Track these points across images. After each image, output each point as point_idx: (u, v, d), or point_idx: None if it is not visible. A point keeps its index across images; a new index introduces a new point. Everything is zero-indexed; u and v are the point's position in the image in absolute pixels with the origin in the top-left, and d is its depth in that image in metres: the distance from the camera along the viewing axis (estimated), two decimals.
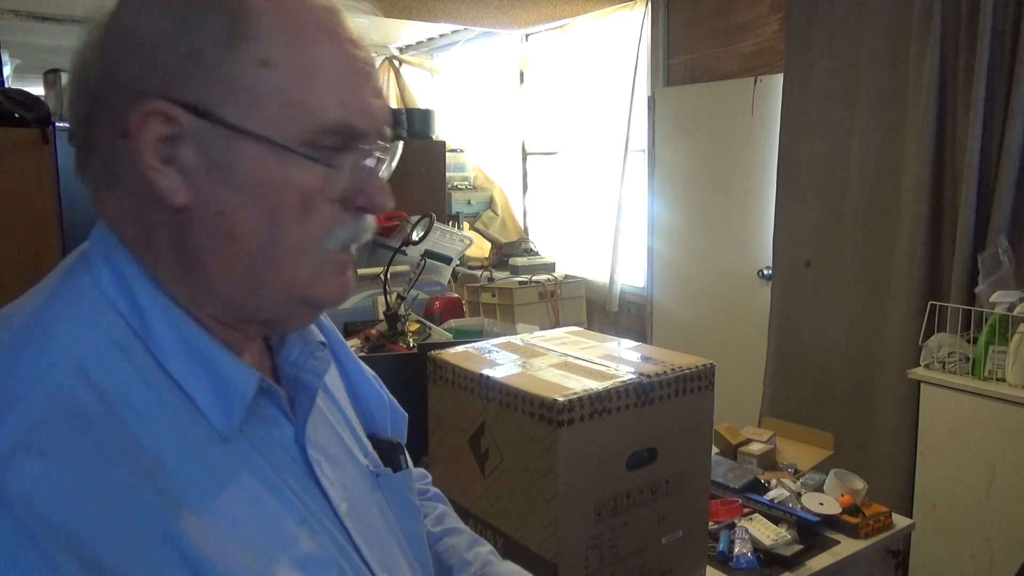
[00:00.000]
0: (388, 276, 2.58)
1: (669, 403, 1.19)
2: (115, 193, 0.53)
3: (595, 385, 1.12)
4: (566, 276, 4.75)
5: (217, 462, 0.52)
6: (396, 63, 5.88)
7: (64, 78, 3.31)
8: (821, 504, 1.60)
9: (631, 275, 4.46)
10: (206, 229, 0.52)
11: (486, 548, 0.88)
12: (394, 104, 5.69)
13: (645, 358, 1.27)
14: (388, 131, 0.57)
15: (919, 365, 2.46)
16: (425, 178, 4.25)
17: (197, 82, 0.49)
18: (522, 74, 5.25)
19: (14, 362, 0.47)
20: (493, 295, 4.52)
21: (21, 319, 0.50)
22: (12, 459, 0.43)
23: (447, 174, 4.43)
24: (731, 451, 1.90)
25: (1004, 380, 2.24)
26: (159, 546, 0.46)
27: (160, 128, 0.49)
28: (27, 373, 0.47)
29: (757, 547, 1.47)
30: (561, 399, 1.07)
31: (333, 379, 0.73)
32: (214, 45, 0.49)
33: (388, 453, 0.73)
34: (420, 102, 5.66)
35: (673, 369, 1.20)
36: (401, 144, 0.61)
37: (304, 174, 0.52)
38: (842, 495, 1.65)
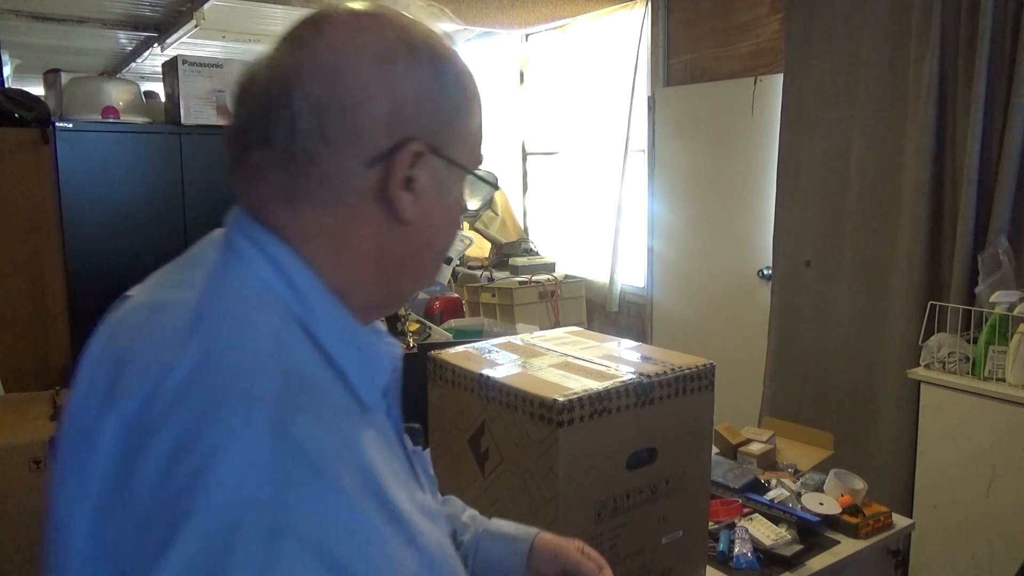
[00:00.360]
0: None
1: (669, 403, 1.19)
2: (315, 203, 0.61)
3: (595, 385, 1.12)
4: (566, 276, 4.75)
5: (362, 426, 0.59)
6: None
7: (65, 78, 3.31)
8: (821, 504, 1.60)
9: (631, 275, 4.46)
10: (416, 238, 0.65)
11: (476, 511, 0.98)
12: None
13: (645, 358, 1.27)
14: None
15: (919, 365, 2.46)
16: None
17: (442, 130, 0.64)
18: (522, 74, 5.25)
19: (229, 338, 0.55)
20: (493, 295, 4.52)
21: (191, 306, 0.57)
22: (283, 413, 0.51)
23: None
24: (731, 451, 1.90)
25: (1004, 380, 2.24)
26: (371, 490, 0.54)
27: (410, 160, 0.62)
28: (252, 347, 0.54)
29: (757, 547, 1.47)
30: (561, 399, 1.07)
31: None
32: (457, 106, 0.65)
33: (411, 435, 0.82)
34: None
35: (673, 369, 1.20)
36: None
37: (467, 193, 0.71)
38: (842, 495, 1.65)
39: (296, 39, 0.62)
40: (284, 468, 0.49)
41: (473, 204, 0.72)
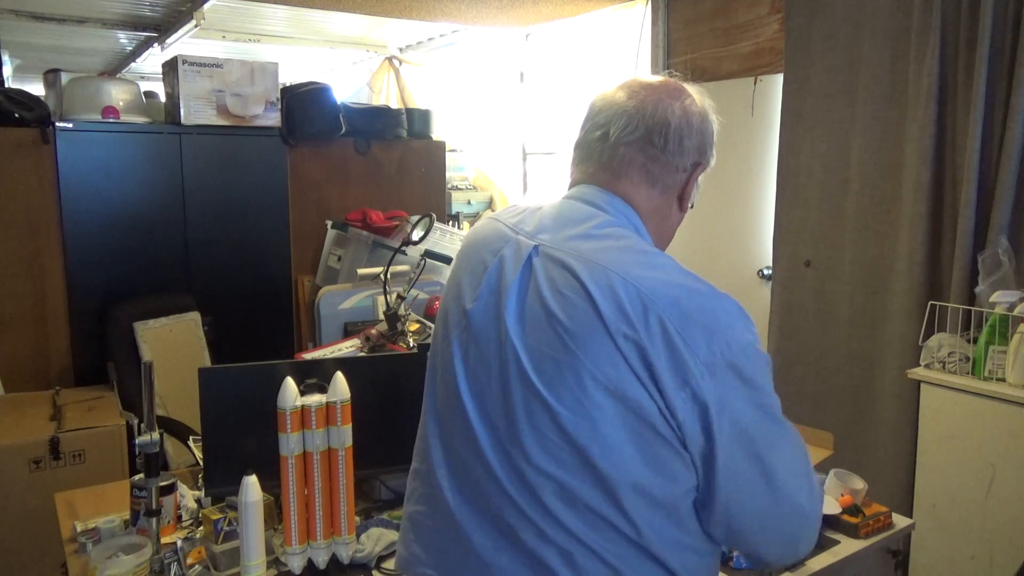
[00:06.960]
0: (388, 276, 2.58)
1: None
2: (660, 187, 1.07)
3: None
4: None
5: None
6: (396, 63, 5.88)
7: (65, 78, 3.31)
8: None
9: None
10: (680, 219, 1.12)
11: None
12: (394, 104, 5.69)
13: None
14: None
15: (919, 365, 2.46)
16: (425, 178, 4.25)
17: (708, 155, 1.10)
18: (522, 74, 5.25)
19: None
20: None
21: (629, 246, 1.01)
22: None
23: (447, 174, 4.43)
24: None
25: (1004, 380, 2.24)
26: None
27: (698, 173, 1.10)
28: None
29: None
30: None
31: None
32: (712, 142, 1.11)
33: None
34: (420, 102, 5.66)
35: None
36: None
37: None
38: (842, 495, 1.65)
39: (671, 93, 1.11)
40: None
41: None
